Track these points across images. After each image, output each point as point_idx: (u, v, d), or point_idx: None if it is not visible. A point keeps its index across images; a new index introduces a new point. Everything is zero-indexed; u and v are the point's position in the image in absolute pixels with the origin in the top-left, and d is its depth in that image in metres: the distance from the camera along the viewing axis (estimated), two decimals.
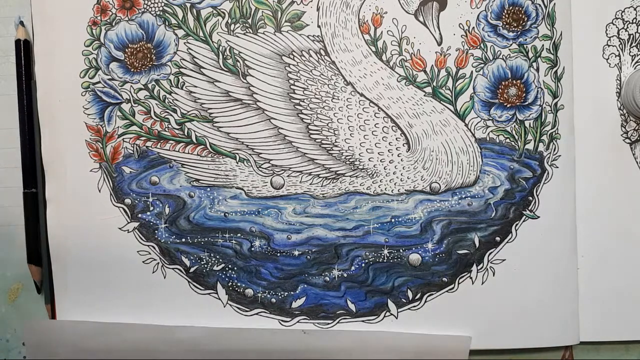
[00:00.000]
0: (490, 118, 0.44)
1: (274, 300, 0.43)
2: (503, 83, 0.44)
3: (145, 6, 0.43)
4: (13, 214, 0.44)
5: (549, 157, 0.44)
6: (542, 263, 0.44)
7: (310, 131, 0.43)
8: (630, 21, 0.45)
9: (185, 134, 0.43)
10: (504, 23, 0.43)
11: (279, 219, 0.43)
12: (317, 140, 0.43)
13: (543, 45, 0.44)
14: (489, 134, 0.44)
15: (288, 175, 0.43)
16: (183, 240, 0.43)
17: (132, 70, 0.43)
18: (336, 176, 0.43)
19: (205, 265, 0.43)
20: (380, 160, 0.43)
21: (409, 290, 0.43)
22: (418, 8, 0.43)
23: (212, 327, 0.42)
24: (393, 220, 0.43)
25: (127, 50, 0.43)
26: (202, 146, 0.43)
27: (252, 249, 0.43)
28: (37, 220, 0.44)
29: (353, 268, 0.43)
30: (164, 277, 0.43)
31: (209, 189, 0.43)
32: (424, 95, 0.43)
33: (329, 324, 0.43)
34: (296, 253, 0.43)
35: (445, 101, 0.43)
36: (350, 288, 0.43)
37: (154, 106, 0.43)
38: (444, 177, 0.43)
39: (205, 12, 0.43)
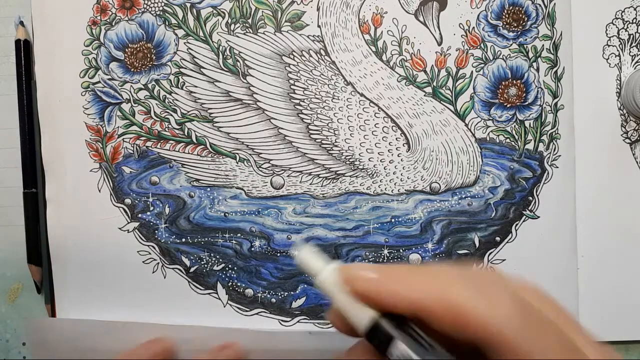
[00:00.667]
0: (491, 118, 0.44)
1: (274, 300, 0.43)
2: (503, 83, 0.44)
3: (145, 6, 0.43)
4: (13, 214, 0.45)
5: (549, 157, 0.44)
6: (542, 263, 0.44)
7: (311, 131, 0.43)
8: (630, 21, 0.45)
9: (186, 134, 0.43)
10: (504, 23, 0.44)
11: (279, 219, 0.43)
12: (317, 140, 0.43)
13: (543, 45, 0.44)
14: (489, 134, 0.44)
15: (288, 175, 0.43)
16: (183, 240, 0.43)
17: (132, 70, 0.43)
18: (336, 176, 0.44)
19: (206, 265, 0.43)
20: (380, 160, 0.44)
21: None
22: (418, 8, 0.43)
23: (216, 327, 0.43)
24: (393, 220, 0.44)
25: (127, 50, 0.43)
26: (202, 146, 0.43)
27: (252, 249, 0.43)
28: (37, 220, 0.44)
29: None
30: (164, 277, 0.43)
31: (209, 189, 0.43)
32: (424, 95, 0.44)
33: (329, 324, 0.43)
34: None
35: (446, 101, 0.44)
36: None
37: (154, 106, 0.43)
38: (444, 177, 0.44)
39: (205, 12, 0.43)
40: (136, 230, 0.44)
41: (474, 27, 0.44)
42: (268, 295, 0.44)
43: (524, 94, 0.44)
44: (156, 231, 0.44)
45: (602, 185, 0.45)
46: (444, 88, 0.44)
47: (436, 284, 0.21)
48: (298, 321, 0.44)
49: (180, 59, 0.43)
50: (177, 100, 0.43)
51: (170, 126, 0.43)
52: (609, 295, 0.45)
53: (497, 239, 0.44)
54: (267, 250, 0.43)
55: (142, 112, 0.43)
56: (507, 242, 0.44)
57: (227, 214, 0.43)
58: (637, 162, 0.46)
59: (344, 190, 0.44)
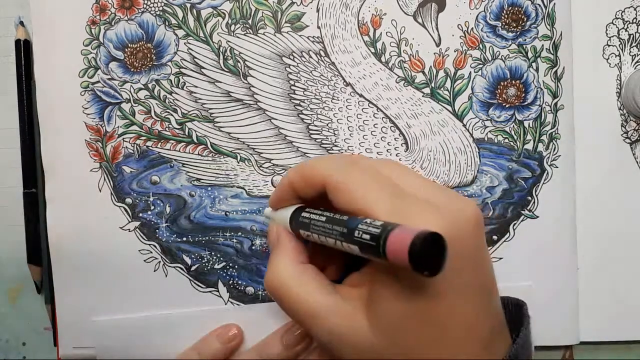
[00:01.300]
0: (489, 118, 0.46)
1: None
2: (502, 83, 0.46)
3: (144, 6, 0.45)
4: (13, 214, 0.46)
5: (548, 157, 0.46)
6: (541, 263, 0.46)
7: (311, 131, 0.46)
8: (631, 21, 0.47)
9: (186, 133, 0.45)
10: (503, 23, 0.46)
11: None
12: (317, 140, 0.46)
13: (543, 45, 0.46)
14: (487, 134, 0.46)
15: None
16: (184, 239, 0.45)
17: (132, 70, 0.45)
18: None
19: (207, 264, 0.45)
20: None
21: None
22: (417, 9, 0.45)
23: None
24: None
25: (126, 50, 0.45)
26: (203, 146, 0.45)
27: (253, 247, 0.45)
28: (37, 220, 0.46)
29: None
30: (166, 276, 0.45)
31: (209, 188, 0.45)
32: (423, 96, 0.46)
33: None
34: None
35: (444, 102, 0.46)
36: None
37: (154, 106, 0.45)
38: (442, 177, 0.46)
39: (206, 13, 0.45)
40: (137, 229, 0.45)
41: (472, 28, 0.46)
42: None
43: (523, 94, 0.46)
44: (157, 230, 0.45)
45: (602, 185, 0.47)
46: (442, 89, 0.46)
47: (296, 169, 0.35)
48: None
49: (181, 59, 0.45)
50: (177, 100, 0.45)
51: (170, 126, 0.45)
52: (609, 295, 0.47)
53: (494, 237, 0.46)
54: (267, 249, 0.45)
55: (142, 112, 0.45)
56: (505, 240, 0.46)
57: (228, 213, 0.45)
58: (637, 162, 0.48)
59: None
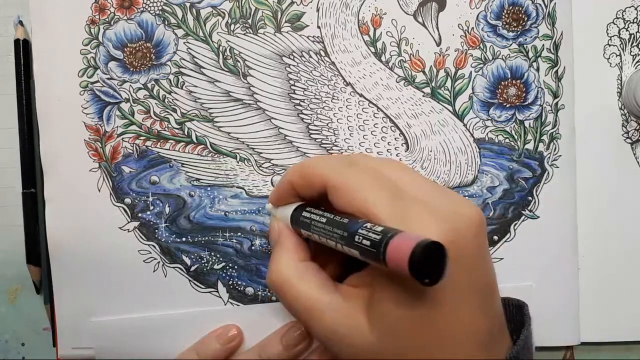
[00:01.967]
0: (489, 118, 0.46)
1: (274, 298, 0.45)
2: (502, 83, 0.46)
3: (144, 5, 0.45)
4: (12, 214, 0.46)
5: (549, 157, 0.46)
6: (542, 263, 0.46)
7: (311, 131, 0.45)
8: (631, 21, 0.47)
9: (186, 133, 0.45)
10: (504, 23, 0.45)
11: None
12: (317, 140, 0.45)
13: (543, 45, 0.46)
14: (487, 134, 0.46)
15: None
16: (183, 239, 0.45)
17: (131, 69, 0.45)
18: None
19: (206, 264, 0.45)
20: None
21: None
22: (417, 9, 0.45)
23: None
24: None
25: (126, 49, 0.45)
26: (203, 146, 0.45)
27: (253, 247, 0.45)
28: (36, 220, 0.45)
29: None
30: (165, 276, 0.45)
31: (209, 188, 0.45)
32: (423, 96, 0.46)
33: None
34: None
35: (444, 101, 0.46)
36: None
37: (153, 106, 0.45)
38: (442, 177, 0.45)
39: (205, 12, 0.45)
40: (136, 229, 0.45)
41: (473, 28, 0.45)
42: (268, 294, 0.45)
43: (524, 94, 0.46)
44: (156, 230, 0.45)
45: (603, 185, 0.47)
46: (442, 88, 0.46)
47: (295, 169, 0.35)
48: None
49: (180, 58, 0.45)
50: (176, 100, 0.45)
51: (170, 126, 0.45)
52: (609, 296, 0.47)
53: (495, 238, 0.46)
54: (267, 249, 0.45)
55: (142, 112, 0.45)
56: (505, 241, 0.46)
57: (227, 213, 0.45)
58: (638, 162, 0.47)
59: None
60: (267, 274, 0.33)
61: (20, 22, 0.47)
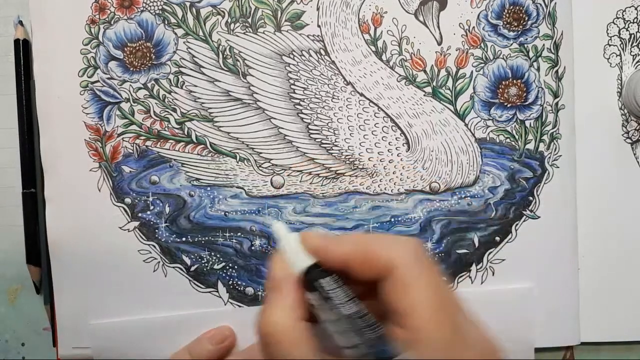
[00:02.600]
0: (491, 118, 0.45)
1: None
2: (503, 83, 0.45)
3: (144, 5, 0.44)
4: (12, 214, 0.46)
5: (549, 157, 0.46)
6: (542, 263, 0.45)
7: (310, 131, 0.45)
8: (631, 21, 0.47)
9: (186, 133, 0.45)
10: (505, 22, 0.45)
11: (279, 218, 0.45)
12: (317, 140, 0.45)
13: (544, 44, 0.45)
14: (489, 133, 0.45)
15: (288, 175, 0.45)
16: (184, 239, 0.45)
17: (131, 69, 0.45)
18: (336, 176, 0.45)
19: (206, 264, 0.45)
20: (380, 160, 0.45)
21: None
22: (418, 8, 0.45)
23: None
24: (393, 219, 0.45)
25: (126, 49, 0.45)
26: (202, 145, 0.45)
27: (253, 247, 0.45)
28: (36, 220, 0.45)
29: None
30: (165, 276, 0.45)
31: (209, 188, 0.45)
32: (424, 95, 0.45)
33: None
34: None
35: (445, 101, 0.45)
36: None
37: (153, 105, 0.45)
38: (444, 177, 0.45)
39: (205, 11, 0.44)
40: (136, 229, 0.45)
41: (474, 27, 0.45)
42: None
43: (525, 94, 0.45)
44: (156, 230, 0.45)
45: (603, 185, 0.47)
46: (443, 88, 0.45)
47: (356, 241, 0.30)
48: None
49: (180, 58, 0.45)
50: (176, 99, 0.45)
51: (170, 125, 0.45)
52: (609, 295, 0.47)
53: (497, 238, 0.45)
54: (267, 249, 0.45)
55: (142, 112, 0.45)
56: (507, 242, 0.45)
57: (227, 213, 0.45)
58: (638, 162, 0.47)
59: (343, 190, 0.45)
60: (261, 322, 0.29)
61: (20, 22, 0.46)
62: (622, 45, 0.47)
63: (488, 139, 0.46)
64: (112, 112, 0.45)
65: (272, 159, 0.45)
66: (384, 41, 0.45)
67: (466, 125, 0.45)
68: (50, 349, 0.46)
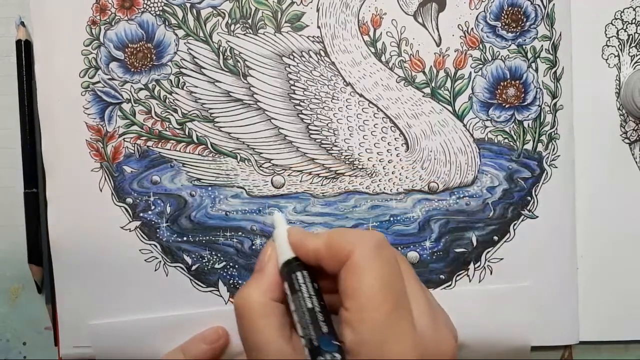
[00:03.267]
0: (489, 118, 0.46)
1: None
2: (502, 83, 0.46)
3: (145, 6, 0.45)
4: (14, 214, 0.46)
5: (548, 157, 0.46)
6: (541, 263, 0.46)
7: (310, 131, 0.45)
8: (630, 21, 0.47)
9: (186, 133, 0.45)
10: (503, 24, 0.45)
11: None
12: (317, 140, 0.45)
13: (542, 45, 0.46)
14: (487, 134, 0.46)
15: (288, 175, 0.45)
16: (185, 238, 0.45)
17: (132, 70, 0.45)
18: (336, 176, 0.45)
19: (207, 264, 0.45)
20: (379, 160, 0.45)
21: None
22: (417, 9, 0.45)
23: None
24: (392, 219, 0.45)
25: (127, 50, 0.45)
26: (203, 146, 0.45)
27: (253, 247, 0.45)
28: (37, 220, 0.45)
29: None
30: (166, 275, 0.45)
31: (210, 188, 0.45)
32: (423, 96, 0.45)
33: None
34: None
35: (444, 102, 0.46)
36: None
37: (154, 106, 0.45)
38: (442, 177, 0.45)
39: (205, 12, 0.45)
40: (138, 229, 0.45)
41: (472, 28, 0.45)
42: None
43: (523, 95, 0.46)
44: (158, 230, 0.45)
45: (602, 185, 0.47)
46: (442, 89, 0.45)
47: (326, 235, 0.32)
48: None
49: (181, 59, 0.45)
50: (177, 100, 0.45)
51: (171, 126, 0.45)
52: (608, 295, 0.47)
53: (495, 238, 0.46)
54: None
55: (143, 112, 0.45)
56: (505, 241, 0.46)
57: (228, 213, 0.45)
58: (636, 162, 0.47)
59: (343, 190, 0.45)
60: (237, 295, 0.33)
61: (22, 23, 0.46)
62: (620, 46, 0.48)
63: (486, 139, 0.46)
64: (114, 112, 0.45)
65: (272, 159, 0.45)
66: (383, 42, 0.45)
67: (465, 125, 0.46)
68: (51, 349, 0.47)
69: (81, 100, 0.45)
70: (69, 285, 0.45)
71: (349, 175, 0.46)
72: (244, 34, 0.45)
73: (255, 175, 0.45)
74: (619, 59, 0.48)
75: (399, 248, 0.46)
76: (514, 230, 0.46)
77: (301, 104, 0.45)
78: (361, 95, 0.45)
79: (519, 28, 0.46)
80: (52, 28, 0.45)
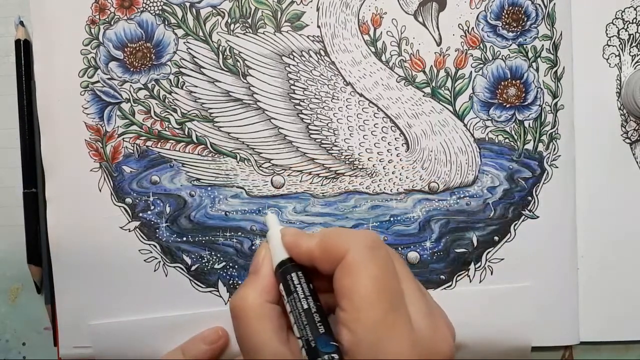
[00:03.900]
0: (490, 118, 0.46)
1: None
2: (502, 83, 0.46)
3: (144, 5, 0.45)
4: (13, 214, 0.46)
5: (548, 157, 0.46)
6: (541, 263, 0.46)
7: (310, 131, 0.45)
8: (631, 21, 0.47)
9: (186, 133, 0.45)
10: (504, 23, 0.45)
11: (280, 218, 0.45)
12: (317, 140, 0.45)
13: (543, 45, 0.45)
14: (487, 134, 0.46)
15: (288, 175, 0.45)
16: (184, 239, 0.45)
17: (131, 69, 0.45)
18: (336, 175, 0.45)
19: (207, 264, 0.45)
20: (380, 160, 0.45)
21: None
22: (417, 8, 0.45)
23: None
24: (392, 219, 0.45)
25: (126, 49, 0.45)
26: (203, 146, 0.45)
27: (253, 247, 0.45)
28: (37, 220, 0.46)
29: None
30: (166, 276, 0.45)
31: (209, 188, 0.45)
32: (423, 96, 0.45)
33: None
34: None
35: (444, 101, 0.45)
36: None
37: (154, 106, 0.45)
38: (443, 177, 0.45)
39: (205, 12, 0.45)
40: (137, 229, 0.45)
41: (473, 28, 0.45)
42: None
43: (524, 94, 0.46)
44: (157, 230, 0.45)
45: (602, 185, 0.47)
46: (442, 88, 0.45)
47: (320, 235, 0.32)
48: None
49: (180, 58, 0.45)
50: (177, 100, 0.45)
51: (170, 126, 0.45)
52: (609, 295, 0.47)
53: (496, 238, 0.46)
54: None
55: (142, 112, 0.45)
56: (506, 241, 0.46)
57: (228, 213, 0.45)
58: (637, 162, 0.47)
59: (343, 190, 0.45)
60: (233, 297, 0.33)
61: (21, 23, 0.46)
62: (621, 46, 0.48)
63: (487, 139, 0.46)
64: (113, 112, 0.45)
65: (272, 159, 0.45)
66: (383, 42, 0.45)
67: (465, 125, 0.46)
68: (51, 349, 0.47)
69: (80, 100, 0.45)
70: (68, 286, 0.45)
71: (349, 175, 0.45)
72: (244, 34, 0.45)
73: (255, 175, 0.45)
74: (620, 59, 0.47)
75: (399, 248, 0.46)
76: (515, 230, 0.46)
77: (301, 103, 0.45)
78: (361, 95, 0.45)
79: (520, 27, 0.46)
80: (52, 28, 0.45)
